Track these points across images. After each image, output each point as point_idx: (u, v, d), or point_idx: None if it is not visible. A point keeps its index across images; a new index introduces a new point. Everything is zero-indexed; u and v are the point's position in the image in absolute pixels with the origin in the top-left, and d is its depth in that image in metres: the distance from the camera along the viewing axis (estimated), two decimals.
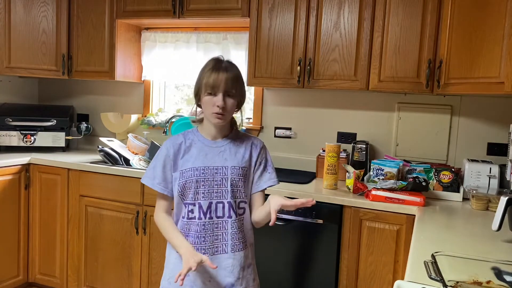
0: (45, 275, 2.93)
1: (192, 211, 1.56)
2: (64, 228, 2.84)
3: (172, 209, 1.65)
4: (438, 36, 2.26)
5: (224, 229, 1.56)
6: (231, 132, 1.64)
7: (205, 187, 1.55)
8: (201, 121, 1.64)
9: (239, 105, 1.60)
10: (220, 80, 1.49)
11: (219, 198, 1.56)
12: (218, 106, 1.50)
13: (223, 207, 1.56)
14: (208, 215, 1.55)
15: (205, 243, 1.55)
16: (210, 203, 1.56)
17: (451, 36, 2.18)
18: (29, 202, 2.91)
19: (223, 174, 1.56)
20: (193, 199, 1.55)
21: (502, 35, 1.87)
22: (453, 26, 2.16)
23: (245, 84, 1.67)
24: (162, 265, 2.57)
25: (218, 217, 1.56)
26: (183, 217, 1.57)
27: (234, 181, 1.57)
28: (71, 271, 2.85)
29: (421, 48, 2.29)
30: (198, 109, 1.63)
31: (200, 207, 1.55)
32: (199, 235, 1.55)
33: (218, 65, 1.53)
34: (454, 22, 2.16)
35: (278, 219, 2.26)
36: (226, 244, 1.56)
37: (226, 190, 1.56)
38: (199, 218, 1.56)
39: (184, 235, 1.57)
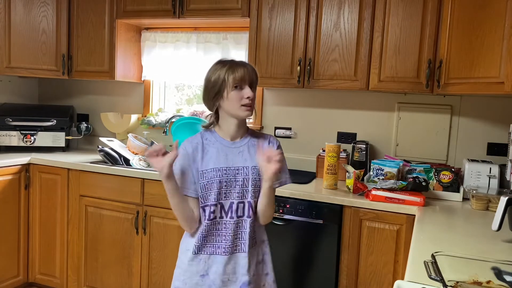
0: (45, 275, 2.93)
1: (214, 211, 1.57)
2: (64, 228, 2.84)
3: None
4: (438, 36, 2.26)
5: (243, 228, 1.58)
6: (248, 132, 1.66)
7: (227, 188, 1.56)
8: (209, 126, 1.64)
9: None
10: (246, 72, 1.52)
11: (240, 198, 1.57)
12: (248, 98, 1.52)
13: (244, 207, 1.58)
14: (229, 215, 1.57)
15: (226, 242, 1.57)
16: (232, 203, 1.57)
17: (451, 36, 2.18)
18: (29, 202, 2.91)
19: (245, 174, 1.57)
20: (215, 200, 1.56)
21: (502, 35, 1.87)
22: (453, 26, 2.16)
23: None
24: (162, 265, 2.59)
25: (238, 217, 1.58)
26: (205, 219, 1.58)
27: (255, 181, 1.58)
28: (71, 271, 2.85)
29: (421, 48, 2.29)
30: (206, 113, 1.63)
31: (222, 207, 1.57)
32: (220, 234, 1.57)
33: (234, 61, 1.56)
34: (454, 22, 2.16)
35: (278, 219, 2.27)
36: (245, 244, 1.58)
37: (247, 190, 1.57)
38: (221, 217, 1.57)
39: (206, 235, 1.58)
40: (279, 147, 1.68)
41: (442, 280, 1.03)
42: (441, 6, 2.24)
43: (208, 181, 1.55)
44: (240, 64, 1.55)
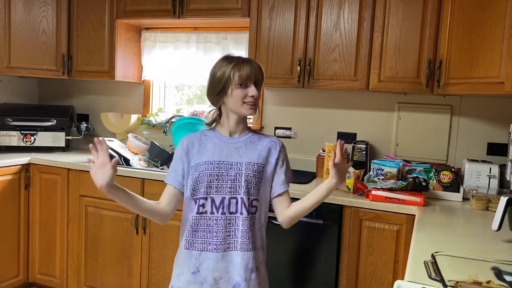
0: (45, 275, 2.93)
1: (203, 205, 1.55)
2: (64, 228, 2.84)
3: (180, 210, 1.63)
4: (438, 36, 2.26)
5: (236, 225, 1.55)
6: (248, 129, 1.66)
7: (218, 182, 1.55)
8: (212, 123, 1.65)
9: None
10: (252, 71, 1.52)
11: (232, 193, 1.55)
12: (252, 96, 1.52)
13: (236, 203, 1.55)
14: (220, 210, 1.55)
15: (217, 239, 1.54)
16: (223, 198, 1.55)
17: (451, 36, 2.18)
18: (29, 202, 2.91)
19: (238, 170, 1.55)
20: (205, 193, 1.54)
21: (502, 35, 1.87)
22: (453, 26, 2.16)
23: None
24: (162, 265, 2.59)
25: (230, 213, 1.55)
26: (194, 212, 1.56)
27: (249, 177, 1.55)
28: (71, 271, 2.85)
29: (421, 48, 2.29)
30: (207, 110, 1.64)
31: (213, 201, 1.55)
32: (211, 230, 1.55)
33: (240, 58, 1.55)
34: (454, 22, 2.16)
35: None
36: (237, 241, 1.55)
37: (240, 186, 1.55)
38: (211, 213, 1.55)
39: (196, 230, 1.56)
40: (282, 147, 1.66)
41: (442, 280, 1.03)
42: (441, 6, 2.24)
43: (199, 174, 1.55)
44: (247, 61, 1.54)
